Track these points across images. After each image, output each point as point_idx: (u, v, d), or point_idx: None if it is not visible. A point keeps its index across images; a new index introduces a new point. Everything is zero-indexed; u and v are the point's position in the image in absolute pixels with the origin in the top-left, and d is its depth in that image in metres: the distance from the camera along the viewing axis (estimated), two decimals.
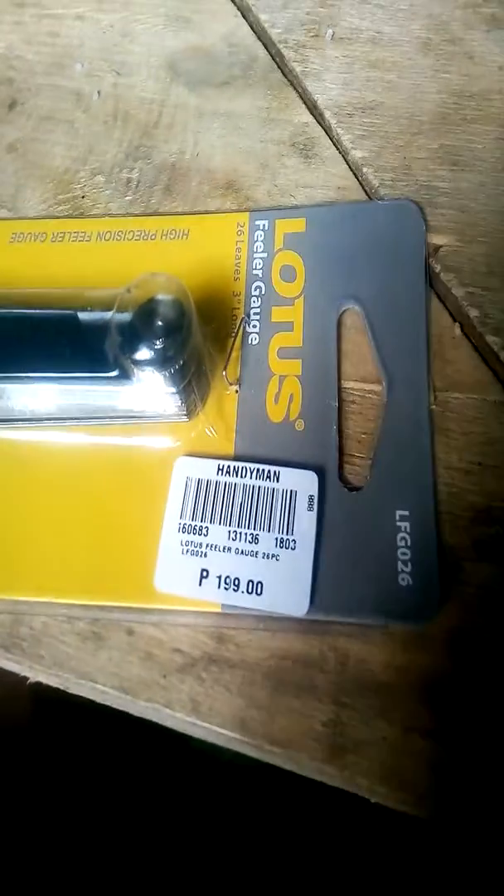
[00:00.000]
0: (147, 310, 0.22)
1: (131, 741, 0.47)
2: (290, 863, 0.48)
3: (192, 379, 0.23)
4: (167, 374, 0.22)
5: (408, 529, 0.20)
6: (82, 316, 0.23)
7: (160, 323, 0.22)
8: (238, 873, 0.49)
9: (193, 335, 0.22)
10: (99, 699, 0.22)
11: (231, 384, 0.24)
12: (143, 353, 0.21)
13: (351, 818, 0.46)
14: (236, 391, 0.24)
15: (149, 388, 0.22)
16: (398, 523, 0.21)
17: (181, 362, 0.22)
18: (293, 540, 0.21)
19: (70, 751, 0.50)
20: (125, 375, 0.22)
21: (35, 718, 0.50)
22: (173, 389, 0.22)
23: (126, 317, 0.22)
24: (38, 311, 0.24)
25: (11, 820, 0.50)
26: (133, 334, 0.22)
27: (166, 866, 0.50)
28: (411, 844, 0.43)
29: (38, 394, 0.23)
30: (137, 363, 0.21)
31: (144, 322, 0.22)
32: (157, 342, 0.21)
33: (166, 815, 0.51)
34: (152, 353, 0.21)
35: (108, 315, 0.23)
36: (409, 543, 0.20)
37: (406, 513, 0.21)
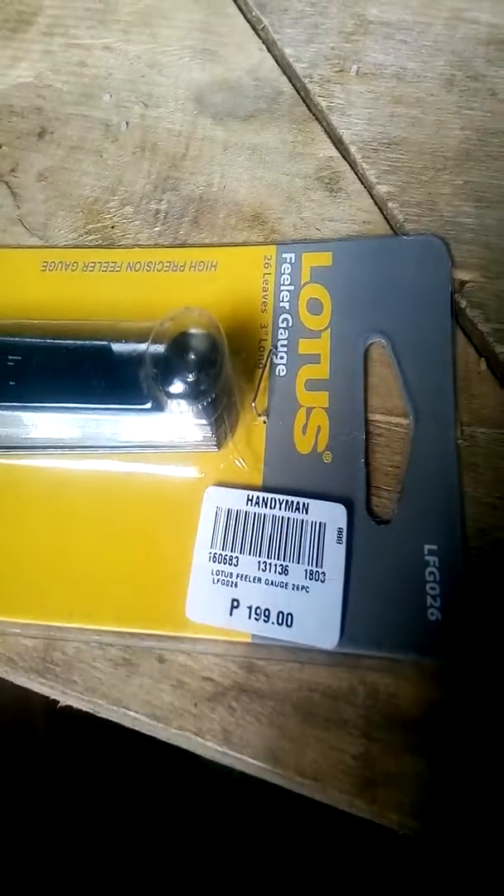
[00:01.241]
0: (181, 343, 0.23)
1: (143, 755, 0.47)
2: (298, 880, 0.48)
3: (222, 411, 0.23)
4: (200, 407, 0.22)
5: (436, 564, 0.21)
6: (116, 347, 0.24)
7: (194, 357, 0.22)
8: (248, 890, 0.49)
9: (226, 369, 0.22)
10: (130, 725, 0.22)
11: (260, 415, 0.24)
12: (177, 386, 0.22)
13: (357, 835, 0.46)
14: (264, 422, 0.24)
15: (180, 419, 0.23)
16: (426, 557, 0.21)
17: (213, 395, 0.22)
18: (323, 572, 0.21)
19: (83, 763, 0.51)
20: (158, 407, 0.23)
21: (50, 730, 0.50)
22: (205, 421, 0.23)
23: (160, 349, 0.23)
24: (71, 341, 0.24)
25: (25, 828, 0.50)
26: (167, 367, 0.22)
27: (176, 881, 0.50)
28: (416, 861, 0.43)
29: (72, 423, 0.24)
30: (171, 395, 0.22)
31: (178, 355, 0.22)
32: (191, 375, 0.22)
33: (176, 830, 0.51)
34: (186, 386, 0.22)
35: (142, 347, 0.23)
36: (437, 578, 0.21)
37: (434, 547, 0.21)
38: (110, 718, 0.22)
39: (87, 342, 0.24)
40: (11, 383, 0.24)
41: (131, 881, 0.50)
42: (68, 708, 0.23)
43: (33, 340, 0.24)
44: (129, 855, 0.50)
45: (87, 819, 0.51)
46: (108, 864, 0.50)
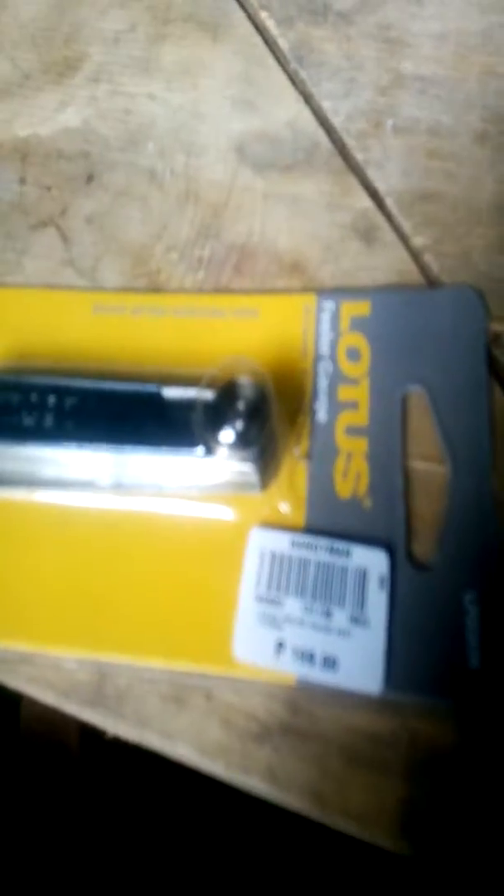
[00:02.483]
0: (231, 391, 0.24)
1: (175, 775, 0.48)
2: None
3: (268, 456, 0.24)
4: (247, 454, 0.23)
5: (476, 612, 0.22)
6: (166, 392, 0.25)
7: (243, 405, 0.23)
8: None
9: (273, 418, 0.24)
10: (178, 758, 0.23)
11: (301, 458, 0.25)
12: (227, 434, 0.23)
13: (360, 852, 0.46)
14: (306, 465, 0.25)
15: (227, 464, 0.24)
16: (467, 605, 0.22)
17: (261, 443, 0.23)
18: (366, 618, 0.22)
19: (116, 780, 0.51)
20: (209, 453, 0.24)
21: (84, 748, 0.51)
22: (250, 467, 0.24)
23: (210, 396, 0.24)
24: (124, 385, 0.25)
25: (56, 843, 0.51)
26: (217, 414, 0.23)
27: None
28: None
29: (124, 464, 0.25)
30: (220, 442, 0.23)
31: (228, 403, 0.23)
32: (240, 424, 0.23)
33: (211, 850, 0.51)
34: (235, 433, 0.23)
35: (192, 393, 0.25)
36: (477, 626, 0.22)
37: (474, 595, 0.22)
38: (160, 752, 0.23)
39: (140, 386, 0.25)
40: (68, 424, 0.25)
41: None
42: (116, 738, 0.24)
43: (89, 384, 0.25)
44: (161, 871, 0.51)
45: (118, 836, 0.52)
46: (140, 880, 0.51)
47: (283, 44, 0.35)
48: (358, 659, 0.22)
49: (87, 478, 0.26)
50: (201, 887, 0.50)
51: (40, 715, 0.48)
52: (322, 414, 0.26)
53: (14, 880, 0.49)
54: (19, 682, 0.24)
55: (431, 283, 0.28)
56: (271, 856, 0.50)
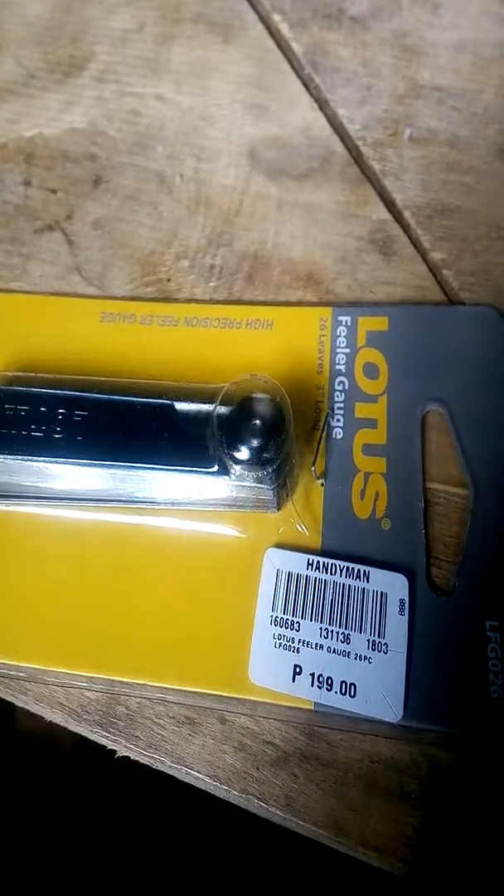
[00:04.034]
0: (247, 408, 0.23)
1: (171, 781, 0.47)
2: None
3: (284, 474, 0.24)
4: (263, 473, 0.23)
5: (498, 640, 0.21)
6: (179, 406, 0.25)
7: (261, 424, 0.23)
8: None
9: (291, 438, 0.23)
10: (192, 783, 0.22)
11: (318, 478, 0.25)
12: (243, 453, 0.22)
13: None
14: (322, 484, 0.25)
15: (244, 483, 0.23)
16: (488, 633, 0.22)
17: (278, 463, 0.23)
18: (385, 644, 0.22)
19: (109, 781, 0.51)
20: (224, 471, 0.23)
21: (78, 750, 0.51)
22: (268, 486, 0.23)
23: (227, 413, 0.23)
24: (137, 398, 0.25)
25: (48, 844, 0.50)
26: (233, 432, 0.23)
27: None
28: None
29: (136, 480, 0.24)
30: (236, 461, 0.23)
31: (245, 422, 0.23)
32: (257, 442, 0.22)
33: (203, 855, 0.51)
34: (252, 452, 0.22)
35: (206, 408, 0.24)
36: (499, 655, 0.21)
37: (496, 623, 0.22)
38: (173, 775, 0.22)
39: (152, 400, 0.25)
40: (78, 438, 0.24)
41: None
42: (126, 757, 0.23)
43: (100, 397, 0.25)
44: (157, 875, 0.51)
45: (114, 839, 0.51)
46: (136, 883, 0.50)
47: (296, 48, 0.35)
48: (378, 686, 0.21)
49: (98, 492, 0.25)
50: (197, 891, 0.50)
51: (36, 724, 0.47)
52: (338, 431, 0.26)
53: (10, 884, 0.49)
54: (28, 701, 0.24)
55: (450, 299, 0.28)
56: (269, 861, 0.50)
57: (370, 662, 0.22)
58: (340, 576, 0.23)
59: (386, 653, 0.22)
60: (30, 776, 0.52)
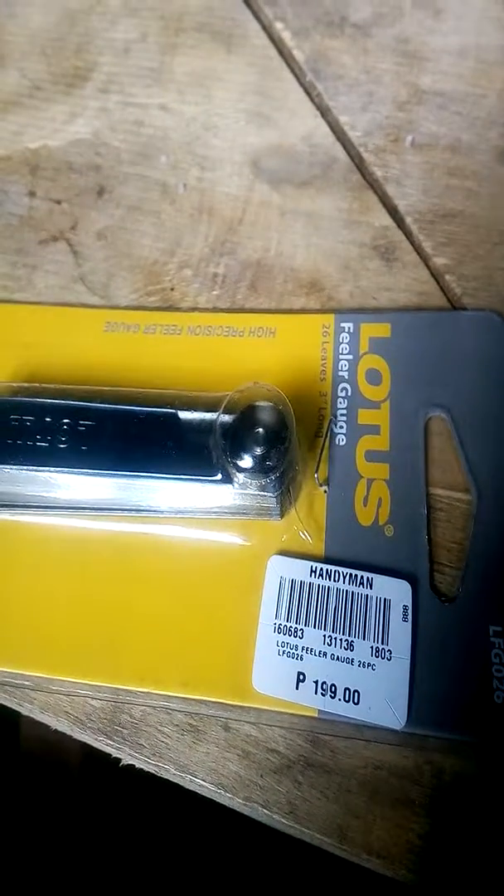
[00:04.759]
0: (251, 417, 0.23)
1: (177, 794, 0.47)
2: None
3: (287, 482, 0.24)
4: (267, 481, 0.23)
5: (502, 646, 0.21)
6: (182, 415, 0.25)
7: (264, 432, 0.23)
8: None
9: (294, 446, 0.23)
10: (197, 791, 0.22)
11: (321, 485, 0.25)
12: (246, 461, 0.23)
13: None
14: (325, 491, 0.25)
15: (247, 491, 0.23)
16: (492, 639, 0.22)
17: (281, 471, 0.23)
18: (389, 650, 0.22)
19: (116, 800, 0.51)
20: (227, 479, 0.23)
21: (84, 767, 0.51)
22: (271, 494, 0.23)
23: (230, 422, 0.23)
24: (140, 408, 0.25)
25: (56, 863, 0.50)
26: (237, 441, 0.23)
27: None
28: None
29: (140, 489, 0.24)
30: (240, 469, 0.23)
31: (248, 430, 0.23)
32: (260, 451, 0.23)
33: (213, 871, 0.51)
34: (255, 461, 0.23)
35: (210, 417, 0.24)
36: (503, 660, 0.21)
37: (500, 629, 0.22)
38: (177, 783, 0.23)
39: (156, 409, 0.25)
40: (83, 448, 0.24)
41: None
42: (131, 766, 0.24)
43: (104, 406, 0.25)
44: (161, 890, 0.51)
45: (118, 855, 0.51)
46: (136, 890, 0.50)
47: (298, 56, 0.35)
48: (381, 693, 0.21)
49: (103, 502, 0.25)
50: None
51: (41, 733, 0.47)
52: (341, 438, 0.26)
53: (14, 887, 0.49)
54: (33, 710, 0.24)
55: (453, 304, 0.28)
56: (273, 868, 0.50)
57: (374, 669, 0.22)
58: (344, 583, 0.23)
59: (389, 659, 0.22)
60: (36, 785, 0.52)
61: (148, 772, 0.23)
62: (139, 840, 0.51)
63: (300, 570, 0.24)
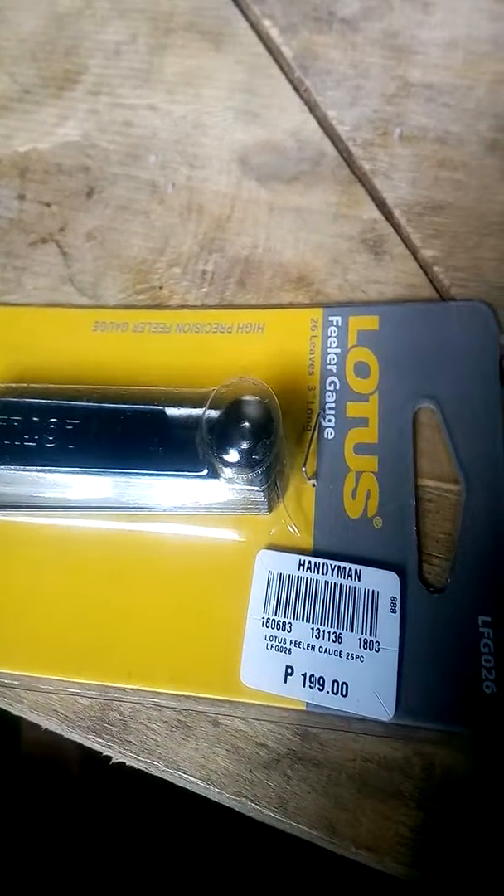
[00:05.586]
0: (236, 411, 0.23)
1: (176, 796, 0.47)
2: None
3: (275, 476, 0.24)
4: (253, 475, 0.23)
5: (491, 636, 0.21)
6: (169, 412, 0.25)
7: (249, 426, 0.23)
8: None
9: (280, 439, 0.23)
10: (186, 787, 0.22)
11: (309, 478, 0.25)
12: (232, 455, 0.23)
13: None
14: (314, 485, 0.25)
15: (234, 485, 0.23)
16: (481, 629, 0.21)
17: (267, 464, 0.23)
18: (377, 642, 0.22)
19: (116, 803, 0.51)
20: (214, 474, 0.23)
21: (84, 771, 0.51)
22: (257, 488, 0.23)
23: (216, 417, 0.23)
24: (127, 406, 0.25)
25: (57, 867, 0.50)
26: (222, 435, 0.23)
27: None
28: None
29: (127, 486, 0.25)
30: (226, 463, 0.23)
31: (234, 424, 0.23)
32: (246, 445, 0.23)
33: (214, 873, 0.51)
34: (241, 455, 0.23)
35: (196, 412, 0.24)
36: (492, 650, 0.21)
37: (489, 619, 0.21)
38: (166, 779, 0.23)
39: (143, 407, 0.25)
40: (70, 447, 0.24)
41: None
42: (121, 763, 0.24)
43: (91, 405, 0.25)
44: (153, 878, 0.51)
45: (119, 859, 0.51)
46: (129, 885, 0.50)
47: (286, 52, 0.35)
48: (370, 684, 0.21)
49: (90, 500, 0.25)
50: (194, 893, 0.50)
51: (41, 737, 0.48)
52: (330, 431, 0.26)
53: (12, 887, 0.49)
54: (23, 709, 0.24)
55: (441, 296, 0.28)
56: (264, 863, 0.50)
57: (362, 661, 0.21)
58: (332, 575, 0.23)
59: (378, 651, 0.21)
60: (36, 787, 0.52)
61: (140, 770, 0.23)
62: (139, 840, 0.51)
63: (288, 563, 0.23)
